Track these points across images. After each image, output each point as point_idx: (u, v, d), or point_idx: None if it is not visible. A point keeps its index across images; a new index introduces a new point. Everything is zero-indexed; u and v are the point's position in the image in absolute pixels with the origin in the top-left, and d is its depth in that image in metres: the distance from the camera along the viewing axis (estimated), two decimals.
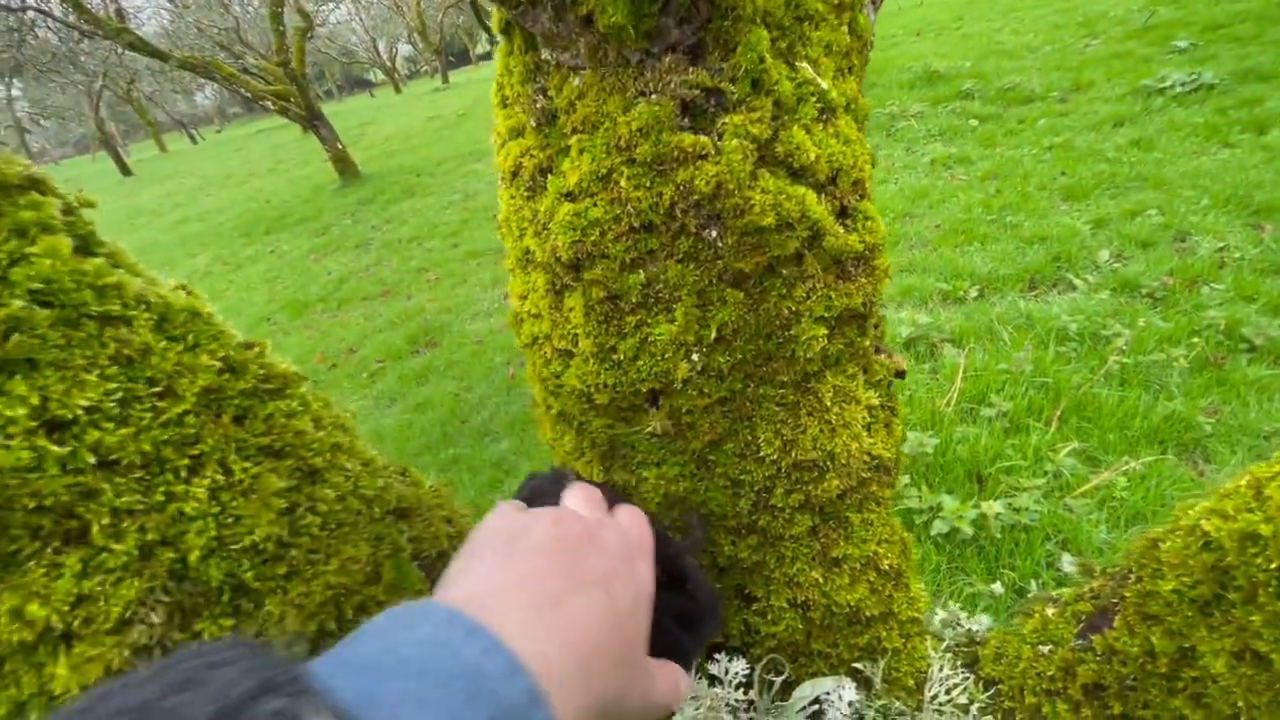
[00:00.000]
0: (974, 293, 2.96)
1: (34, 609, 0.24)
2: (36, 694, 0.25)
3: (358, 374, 3.88)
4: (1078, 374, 2.32)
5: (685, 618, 0.55)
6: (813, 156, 0.48)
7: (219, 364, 0.31)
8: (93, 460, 0.25)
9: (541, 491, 0.59)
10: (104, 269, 0.28)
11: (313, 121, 7.87)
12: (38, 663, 0.25)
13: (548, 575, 0.30)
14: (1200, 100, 4.08)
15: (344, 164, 8.36)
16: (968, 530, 1.89)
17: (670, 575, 0.55)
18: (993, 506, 1.91)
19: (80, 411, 0.25)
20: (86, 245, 0.29)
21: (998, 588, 1.83)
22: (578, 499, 0.43)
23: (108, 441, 0.25)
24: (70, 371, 0.25)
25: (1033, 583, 1.80)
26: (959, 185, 3.97)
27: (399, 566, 0.36)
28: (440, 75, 25.02)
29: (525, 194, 0.53)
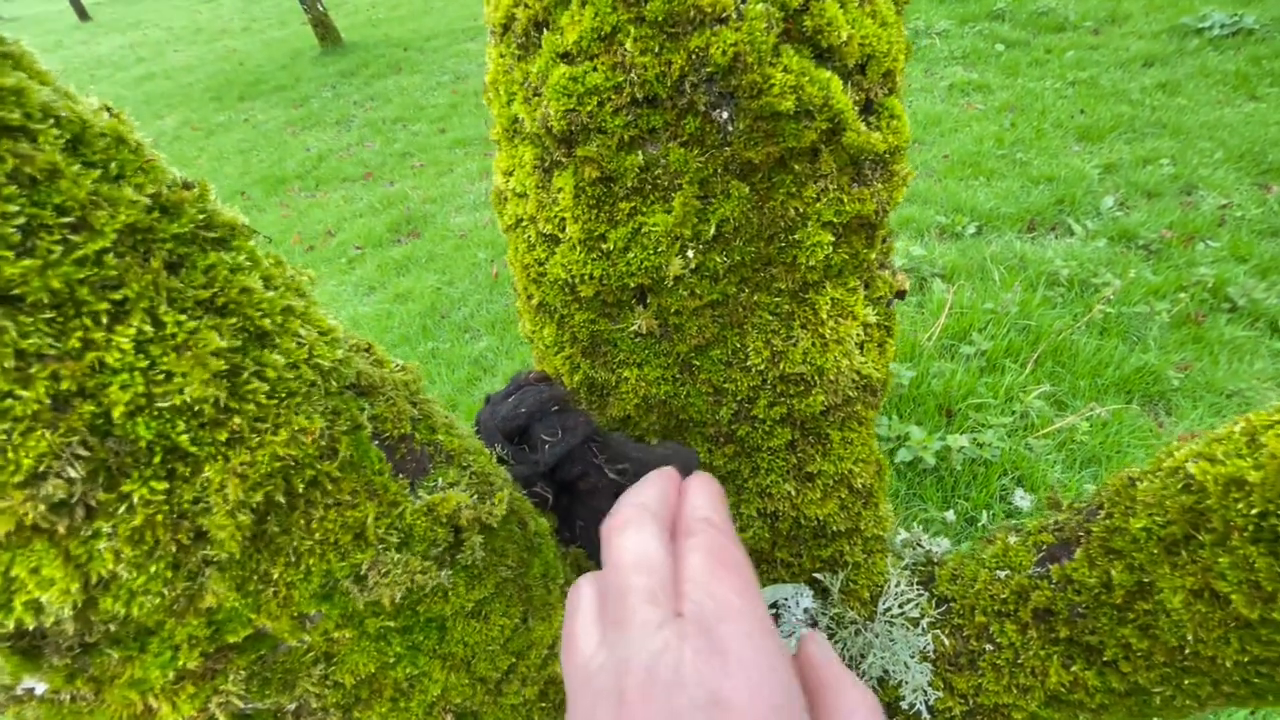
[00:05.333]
0: (972, 229, 2.90)
1: None
2: None
3: (336, 258, 3.75)
4: (1061, 319, 2.33)
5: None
6: (844, 36, 0.43)
7: (147, 200, 0.26)
8: None
9: (522, 385, 0.56)
10: None
11: None
12: None
13: None
14: (1237, 46, 3.88)
15: (325, 29, 7.69)
16: (930, 460, 1.94)
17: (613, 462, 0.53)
18: (958, 440, 1.96)
19: None
20: None
21: (950, 515, 1.91)
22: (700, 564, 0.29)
23: (7, 272, 0.22)
24: None
25: (984, 513, 1.88)
26: (974, 115, 3.80)
27: (358, 444, 0.33)
28: None
29: (516, 52, 0.47)
